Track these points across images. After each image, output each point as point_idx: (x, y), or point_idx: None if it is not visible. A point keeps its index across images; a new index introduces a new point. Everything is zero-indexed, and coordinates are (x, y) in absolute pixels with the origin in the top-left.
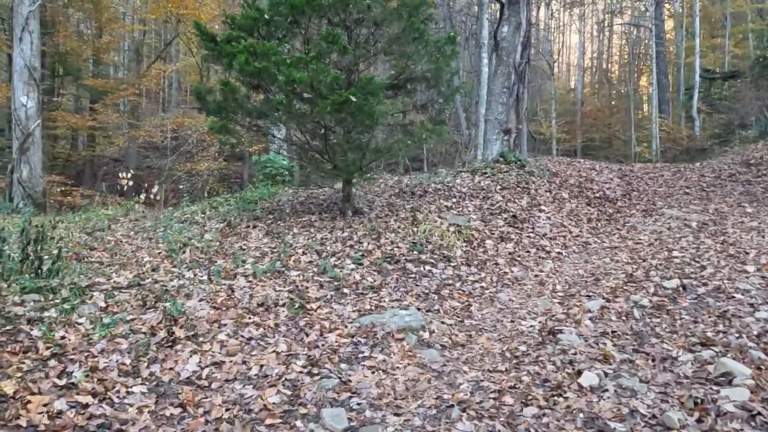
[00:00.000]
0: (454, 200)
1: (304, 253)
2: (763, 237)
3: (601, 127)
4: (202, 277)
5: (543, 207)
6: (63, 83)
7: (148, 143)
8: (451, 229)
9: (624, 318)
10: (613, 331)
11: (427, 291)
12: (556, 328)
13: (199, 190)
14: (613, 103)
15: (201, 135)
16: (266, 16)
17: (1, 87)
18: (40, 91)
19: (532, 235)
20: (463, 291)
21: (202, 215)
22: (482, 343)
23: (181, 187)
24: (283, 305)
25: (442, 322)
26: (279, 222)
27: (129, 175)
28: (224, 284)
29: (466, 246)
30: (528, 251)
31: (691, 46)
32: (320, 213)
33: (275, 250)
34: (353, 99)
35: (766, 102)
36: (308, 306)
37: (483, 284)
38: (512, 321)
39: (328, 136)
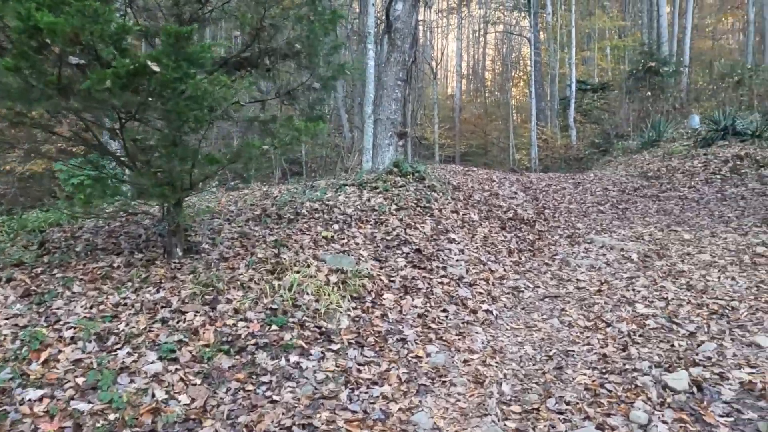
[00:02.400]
0: (336, 227)
1: (72, 341)
2: (734, 280)
3: (479, 134)
4: None
5: (452, 234)
6: None
7: None
8: (333, 278)
9: None
10: None
11: (288, 422)
12: None
13: (11, 199)
14: (489, 110)
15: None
16: None
17: None
18: None
19: (445, 280)
20: (354, 413)
21: None
22: None
23: None
24: None
25: None
26: (56, 270)
27: None
28: None
29: (356, 307)
30: (445, 310)
31: (563, 57)
32: (132, 252)
33: (21, 334)
34: (155, 68)
35: (641, 114)
36: None
37: (387, 389)
38: None
39: (126, 134)
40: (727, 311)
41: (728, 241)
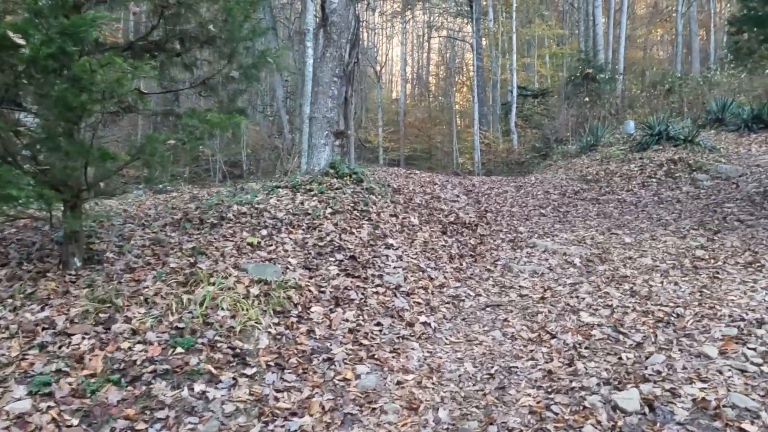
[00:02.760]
0: (264, 233)
1: None
2: (677, 285)
3: (423, 137)
4: None
5: (390, 240)
6: None
7: None
8: (254, 289)
9: None
10: None
11: None
12: None
13: None
14: (433, 115)
15: None
16: None
17: None
18: None
19: (381, 289)
20: None
21: None
22: None
23: None
24: None
25: None
26: None
27: None
28: None
29: (279, 323)
30: (379, 323)
31: (504, 63)
32: (20, 263)
33: None
34: (19, 41)
35: (579, 119)
36: None
37: (307, 420)
38: None
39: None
40: (672, 319)
41: (668, 244)
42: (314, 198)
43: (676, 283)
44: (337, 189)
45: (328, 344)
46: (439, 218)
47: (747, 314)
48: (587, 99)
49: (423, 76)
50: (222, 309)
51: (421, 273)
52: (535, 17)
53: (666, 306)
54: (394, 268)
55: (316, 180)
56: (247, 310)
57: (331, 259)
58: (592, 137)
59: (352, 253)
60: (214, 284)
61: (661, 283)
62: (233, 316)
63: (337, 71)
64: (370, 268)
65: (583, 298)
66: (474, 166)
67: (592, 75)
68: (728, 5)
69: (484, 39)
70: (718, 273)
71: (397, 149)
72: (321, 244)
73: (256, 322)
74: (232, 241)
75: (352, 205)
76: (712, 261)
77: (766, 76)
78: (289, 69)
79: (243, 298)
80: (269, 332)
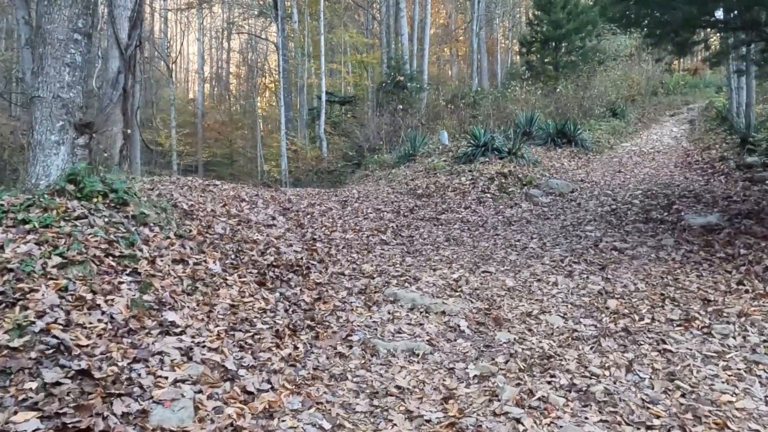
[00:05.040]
0: None
1: None
2: (631, 371)
3: (224, 142)
4: None
5: (172, 313)
6: None
7: None
8: None
9: None
10: None
11: None
12: None
13: None
14: (235, 118)
15: None
16: None
17: None
18: None
19: None
20: None
21: None
22: None
23: None
24: None
25: None
26: None
27: None
28: None
29: None
30: None
31: (310, 67)
32: None
33: None
34: None
35: (393, 127)
36: None
37: None
38: None
39: None
40: None
41: (561, 287)
42: (30, 236)
43: (628, 369)
44: (77, 219)
45: None
46: (253, 257)
47: None
48: (400, 107)
49: (223, 76)
50: None
51: (228, 384)
52: (341, 23)
53: (653, 429)
54: (175, 383)
55: (38, 203)
56: None
57: (30, 385)
58: (410, 146)
59: (85, 361)
60: None
61: (607, 367)
62: None
63: (79, 24)
64: (122, 397)
65: (519, 419)
66: (281, 174)
67: (403, 83)
68: (511, 32)
69: (290, 42)
70: (664, 341)
71: (194, 154)
72: (17, 345)
73: None
74: None
75: (104, 247)
76: (637, 318)
77: (556, 95)
78: None
79: None
80: None
